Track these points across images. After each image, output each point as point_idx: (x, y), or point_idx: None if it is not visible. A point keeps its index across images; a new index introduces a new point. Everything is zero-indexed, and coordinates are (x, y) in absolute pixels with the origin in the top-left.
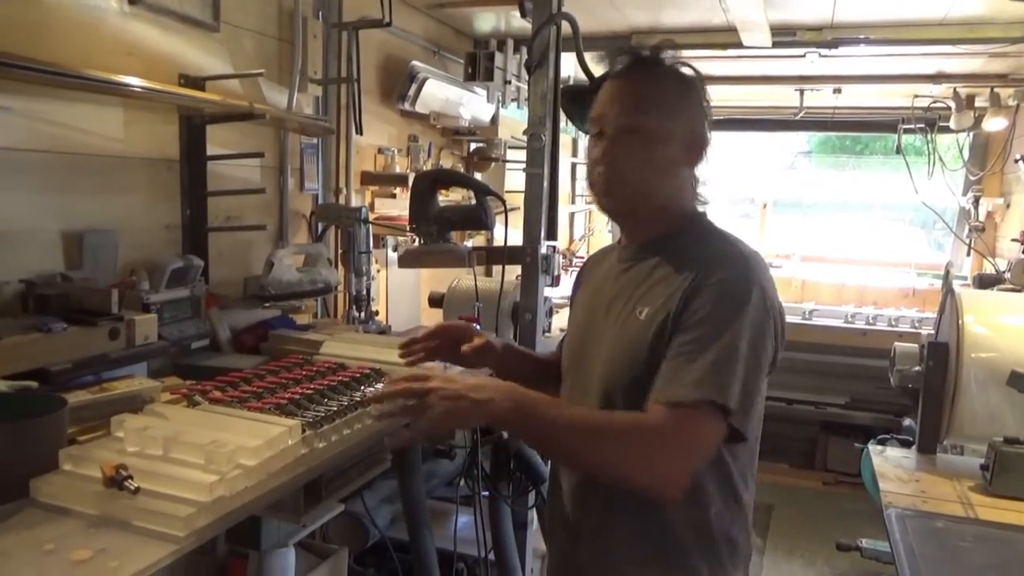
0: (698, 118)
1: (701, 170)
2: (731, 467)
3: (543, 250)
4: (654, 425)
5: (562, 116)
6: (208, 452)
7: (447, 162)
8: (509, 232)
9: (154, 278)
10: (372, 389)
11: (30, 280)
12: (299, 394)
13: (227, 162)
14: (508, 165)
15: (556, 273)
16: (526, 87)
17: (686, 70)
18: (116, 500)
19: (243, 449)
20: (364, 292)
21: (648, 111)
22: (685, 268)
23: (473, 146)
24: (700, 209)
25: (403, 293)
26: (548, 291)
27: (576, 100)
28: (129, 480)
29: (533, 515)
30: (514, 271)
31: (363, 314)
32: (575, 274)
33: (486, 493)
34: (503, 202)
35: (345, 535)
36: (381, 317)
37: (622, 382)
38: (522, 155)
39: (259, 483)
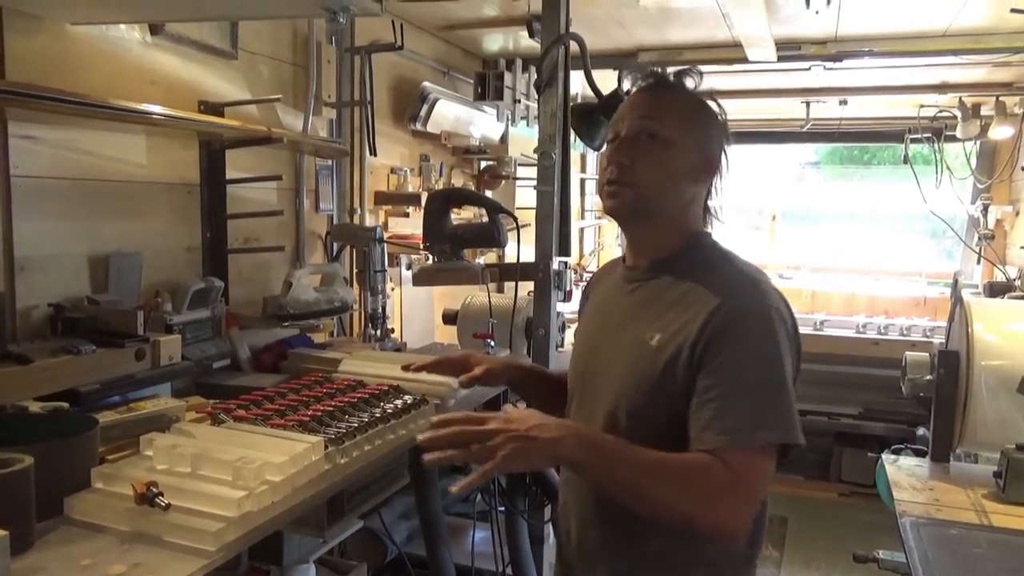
0: (715, 142)
1: (713, 196)
2: None
3: (555, 266)
4: (720, 470)
5: (571, 134)
6: (235, 468)
7: (458, 180)
8: (521, 248)
9: (176, 299)
10: (391, 406)
11: (58, 304)
12: (320, 411)
13: (245, 185)
14: (518, 182)
15: (568, 288)
16: (535, 105)
17: (710, 102)
18: (148, 516)
19: (269, 465)
20: (380, 310)
21: (667, 121)
22: (698, 295)
23: (483, 164)
24: (707, 229)
25: (416, 310)
26: (560, 306)
27: (585, 117)
28: (160, 497)
29: (549, 529)
30: (526, 287)
31: (379, 332)
32: (583, 288)
33: (502, 508)
34: (515, 219)
35: (363, 551)
36: (396, 335)
37: (627, 408)
38: (532, 172)
39: (284, 498)
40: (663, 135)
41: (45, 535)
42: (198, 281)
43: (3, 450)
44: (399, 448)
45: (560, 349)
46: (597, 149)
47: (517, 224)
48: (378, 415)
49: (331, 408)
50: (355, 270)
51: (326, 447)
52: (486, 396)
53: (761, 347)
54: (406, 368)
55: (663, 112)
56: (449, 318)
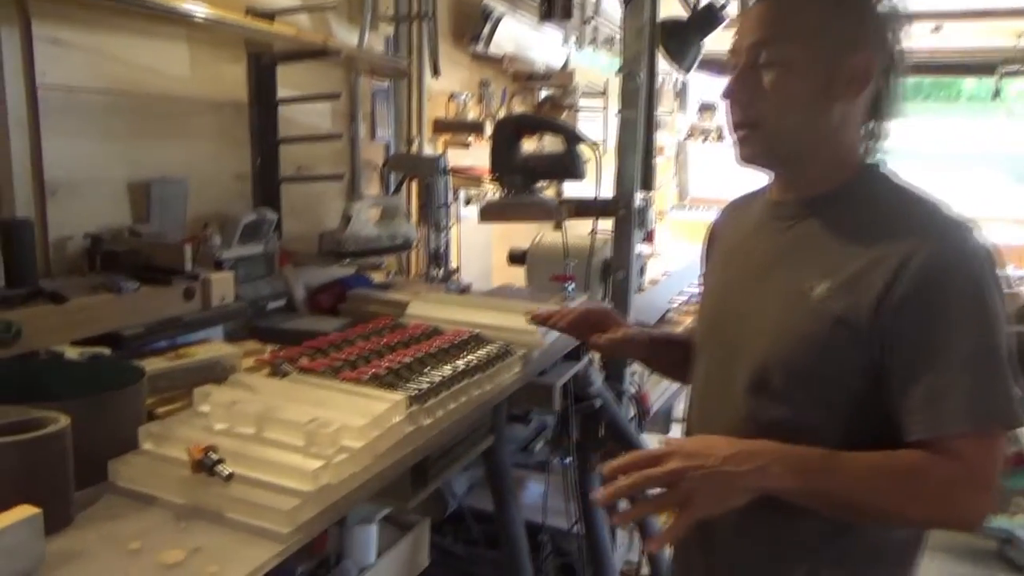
0: (862, 40)
1: (880, 108)
2: None
3: (637, 202)
4: (947, 464)
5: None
6: (308, 433)
7: (519, 110)
8: (585, 184)
9: (226, 233)
10: (473, 357)
11: (96, 235)
12: (396, 363)
13: (296, 106)
14: (580, 114)
15: (651, 228)
16: (605, 27)
17: None
18: (206, 488)
19: (348, 429)
20: (443, 248)
21: (781, 37)
22: (880, 237)
23: (544, 93)
24: (877, 159)
25: (473, 250)
26: (641, 247)
27: (675, 35)
28: (220, 465)
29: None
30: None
31: (442, 272)
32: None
33: (566, 460)
34: (596, 149)
35: (424, 505)
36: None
37: (783, 369)
38: (596, 103)
39: (365, 468)
40: (779, 57)
41: (86, 508)
42: (249, 213)
43: (36, 406)
44: (484, 406)
45: (639, 293)
46: (687, 71)
47: (598, 154)
48: (462, 368)
49: (408, 359)
50: (416, 204)
51: (409, 406)
52: (567, 347)
53: (976, 307)
54: (533, 320)
55: (775, 27)
56: (516, 258)
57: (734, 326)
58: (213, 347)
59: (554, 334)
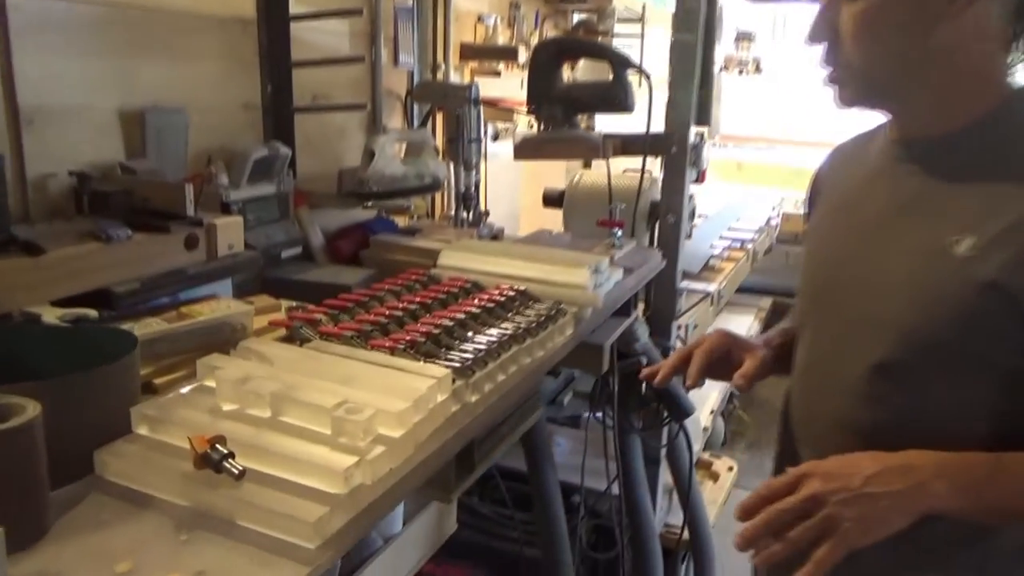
0: None
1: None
2: None
3: (692, 138)
4: None
5: None
6: (337, 420)
7: (550, 36)
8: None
9: (234, 170)
10: (522, 319)
11: (82, 172)
12: (435, 326)
13: (311, 26)
14: (616, 40)
15: (704, 167)
16: None
17: None
18: (213, 488)
19: (384, 414)
20: (473, 189)
21: None
22: None
23: (577, 18)
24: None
25: (500, 191)
26: (693, 188)
27: None
28: (230, 460)
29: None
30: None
31: (471, 215)
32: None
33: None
34: (647, 77)
35: None
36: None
37: (918, 344)
38: (632, 28)
39: (405, 460)
40: None
41: (67, 510)
42: (259, 147)
43: (6, 386)
44: (534, 375)
45: (688, 239)
46: None
47: (650, 83)
48: (510, 332)
49: (447, 322)
50: (443, 139)
51: (453, 381)
52: (619, 303)
53: None
54: (651, 376)
55: None
56: (552, 199)
57: (850, 292)
58: (221, 304)
59: (608, 287)
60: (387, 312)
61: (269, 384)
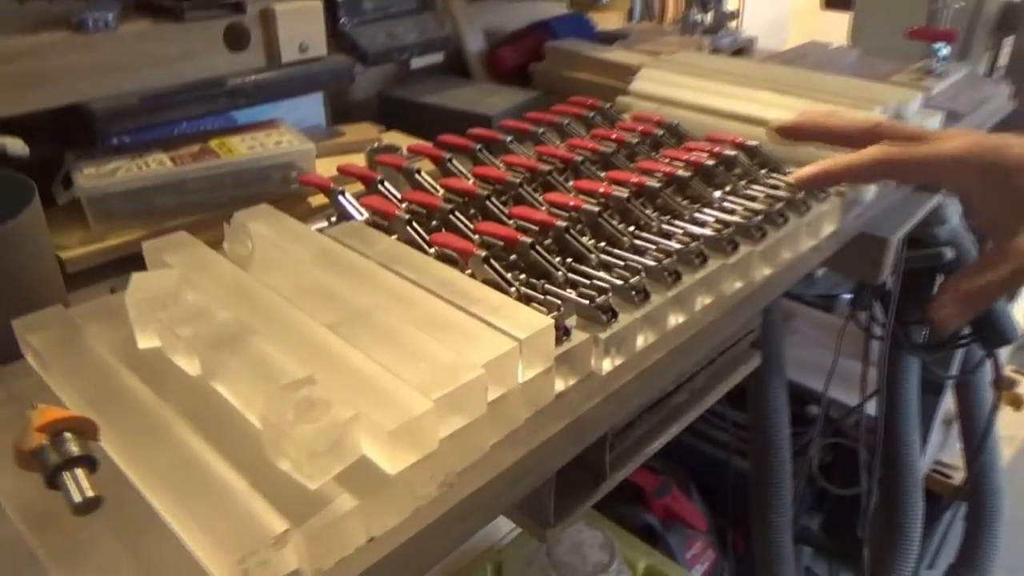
0: None
1: None
2: None
3: None
4: None
5: None
6: (271, 427)
7: None
8: None
9: None
10: (740, 202)
11: None
12: (568, 209)
13: None
14: None
15: None
16: None
17: None
18: (45, 510)
19: (371, 423)
20: None
21: None
22: None
23: None
24: None
25: None
26: None
27: None
28: (74, 473)
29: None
30: None
31: (709, 18)
32: None
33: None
34: None
35: None
36: (736, 24)
37: None
38: None
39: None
40: None
41: None
42: None
43: None
44: (752, 306)
45: None
46: None
47: None
48: (708, 233)
49: (592, 206)
50: None
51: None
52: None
53: None
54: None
55: None
56: None
57: None
58: (271, 136)
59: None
60: (502, 175)
61: (217, 314)
